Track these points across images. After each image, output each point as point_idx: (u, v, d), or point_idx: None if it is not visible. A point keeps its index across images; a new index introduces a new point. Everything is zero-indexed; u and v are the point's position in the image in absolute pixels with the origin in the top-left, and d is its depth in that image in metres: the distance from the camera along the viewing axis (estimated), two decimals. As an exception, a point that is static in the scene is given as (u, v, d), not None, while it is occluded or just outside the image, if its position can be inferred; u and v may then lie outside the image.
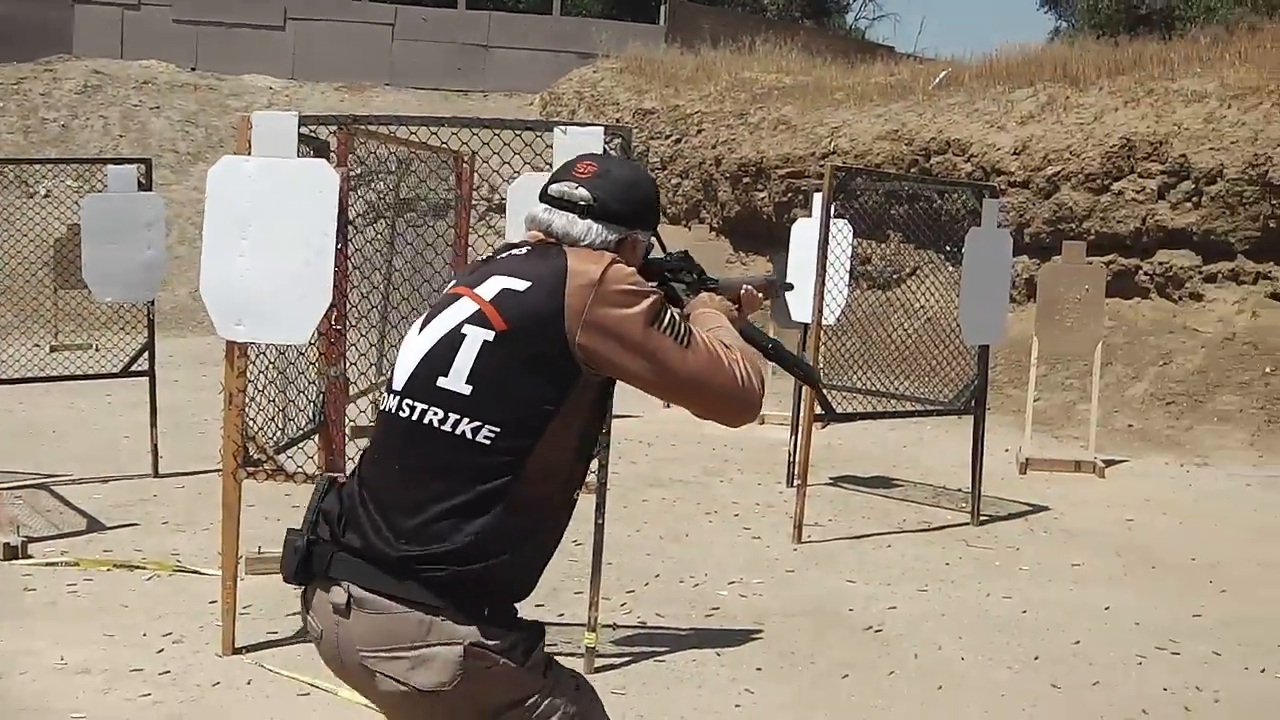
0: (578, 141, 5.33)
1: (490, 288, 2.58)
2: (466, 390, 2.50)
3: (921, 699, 5.42)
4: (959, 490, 9.54)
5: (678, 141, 20.26)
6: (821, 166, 16.43)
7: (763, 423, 10.13)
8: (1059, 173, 14.94)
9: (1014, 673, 5.79)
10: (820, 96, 19.12)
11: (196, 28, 22.76)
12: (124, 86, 21.36)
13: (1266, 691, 5.71)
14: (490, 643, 2.48)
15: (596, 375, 2.56)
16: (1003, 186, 14.17)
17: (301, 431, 6.36)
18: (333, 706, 4.97)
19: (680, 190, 19.87)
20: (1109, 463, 10.83)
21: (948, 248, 9.42)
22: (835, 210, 9.11)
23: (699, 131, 19.98)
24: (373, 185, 10.42)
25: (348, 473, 2.85)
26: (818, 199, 9.34)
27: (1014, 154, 15.51)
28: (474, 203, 9.67)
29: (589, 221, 2.66)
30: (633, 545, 7.54)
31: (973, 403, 8.80)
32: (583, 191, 2.67)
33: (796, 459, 9.49)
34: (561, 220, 2.67)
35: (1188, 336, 13.71)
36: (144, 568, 6.71)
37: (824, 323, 9.46)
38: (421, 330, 2.63)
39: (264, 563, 6.53)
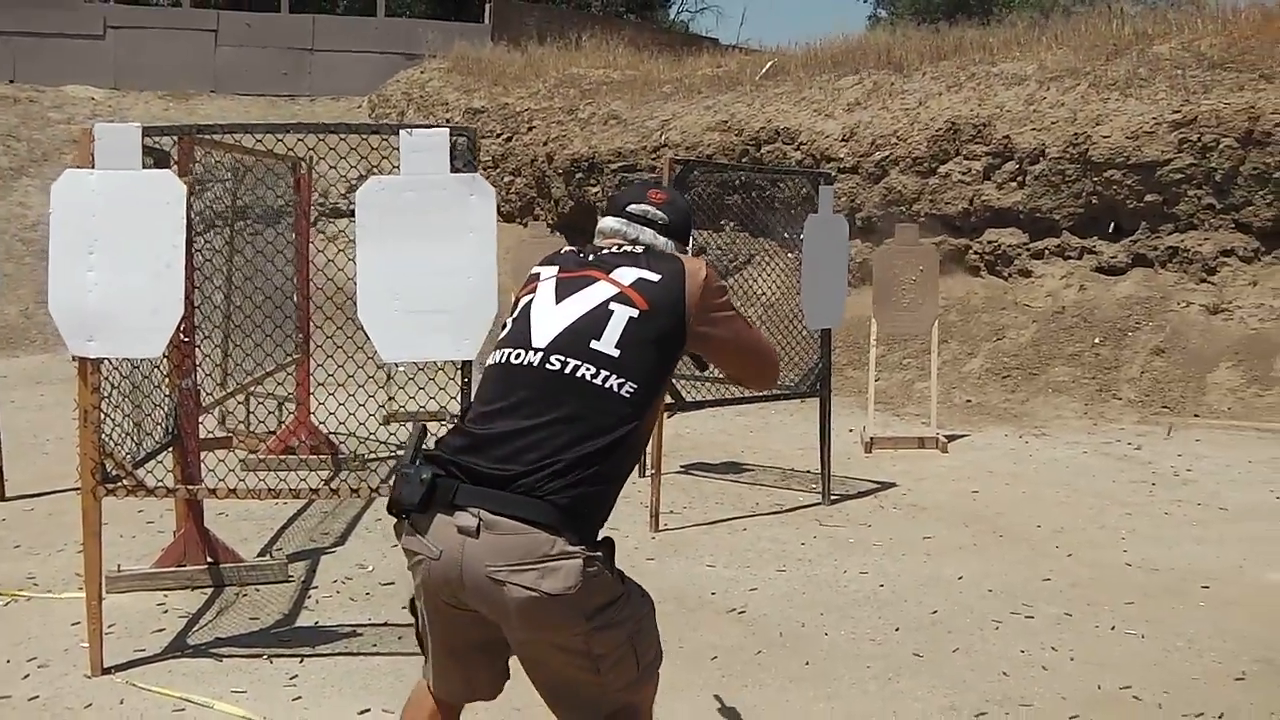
0: (423, 142, 5.36)
1: (626, 275, 3.30)
2: (615, 353, 3.18)
3: (791, 675, 5.54)
4: (808, 472, 9.72)
5: (509, 139, 20.25)
6: (655, 159, 16.62)
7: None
8: (887, 157, 15.30)
9: (877, 644, 5.95)
10: (649, 90, 19.29)
11: (11, 38, 22.08)
12: (-62, 101, 20.72)
13: (1117, 647, 5.95)
14: (597, 554, 3.07)
15: (686, 350, 3.37)
16: (833, 173, 14.45)
17: (158, 444, 6.27)
18: (210, 720, 4.95)
19: (513, 188, 19.87)
20: (951, 438, 11.12)
21: (785, 235, 9.57)
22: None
23: (530, 129, 19.99)
24: (203, 194, 10.28)
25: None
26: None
27: (842, 140, 15.82)
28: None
29: (665, 238, 3.49)
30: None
31: (818, 385, 8.97)
32: (660, 214, 3.51)
33: (649, 449, 9.66)
34: (647, 234, 3.48)
35: (1019, 312, 14.14)
36: (7, 595, 6.57)
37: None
38: (559, 302, 3.29)
39: (124, 580, 6.47)
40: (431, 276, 5.33)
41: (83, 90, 22.01)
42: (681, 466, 9.92)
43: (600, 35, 24.24)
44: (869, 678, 5.53)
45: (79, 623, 6.03)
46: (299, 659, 5.60)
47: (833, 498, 8.86)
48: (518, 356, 3.24)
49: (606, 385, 3.14)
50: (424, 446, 3.18)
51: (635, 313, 3.22)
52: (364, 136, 5.81)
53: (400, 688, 4.89)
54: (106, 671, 5.40)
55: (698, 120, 17.41)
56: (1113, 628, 6.24)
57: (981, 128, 14.88)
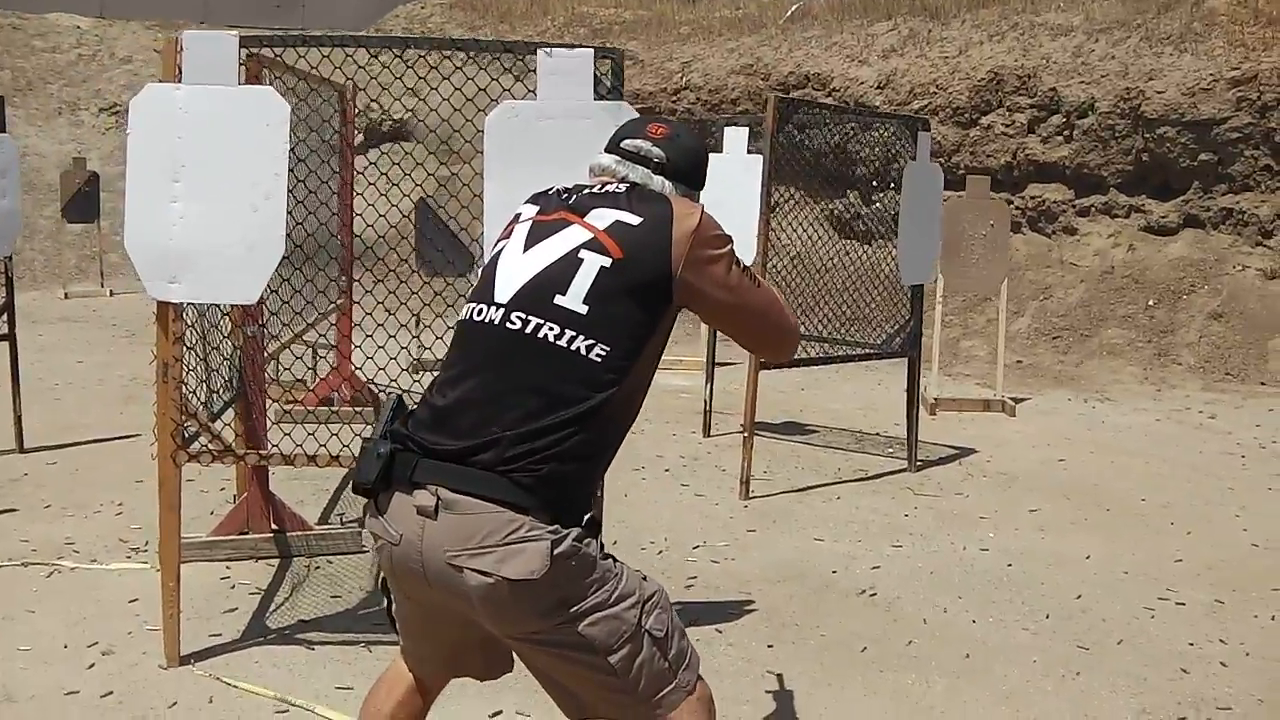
0: (564, 64, 4.69)
1: (601, 218, 2.82)
2: (583, 310, 2.71)
3: (953, 669, 4.94)
4: (879, 434, 9.18)
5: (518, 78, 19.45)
6: (675, 102, 15.98)
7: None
8: (926, 106, 14.62)
9: (1032, 634, 5.36)
10: (664, 31, 18.54)
11: (-8, -35, 21.11)
12: (-86, 28, 19.73)
13: (1289, 641, 5.40)
14: (570, 533, 2.66)
15: (679, 307, 2.83)
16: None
17: (225, 402, 5.60)
18: (319, 722, 4.30)
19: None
20: (1015, 400, 10.53)
21: (873, 184, 9.01)
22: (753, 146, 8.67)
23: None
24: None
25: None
26: (730, 134, 8.83)
27: (878, 88, 15.17)
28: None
29: (661, 178, 2.96)
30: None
31: (906, 345, 8.35)
32: (657, 150, 2.99)
33: (712, 407, 9.04)
34: (638, 174, 2.96)
35: (1065, 271, 13.56)
36: (48, 564, 5.89)
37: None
38: (527, 249, 2.83)
39: (181, 550, 5.76)
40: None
41: (68, 19, 21.06)
42: (741, 426, 9.26)
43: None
44: (1040, 674, 4.93)
45: (137, 599, 5.40)
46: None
47: (917, 463, 8.23)
48: (480, 313, 2.82)
49: (573, 348, 2.70)
50: (397, 416, 2.82)
51: (608, 261, 2.75)
52: (495, 56, 5.08)
53: (532, 682, 4.28)
54: (184, 661, 4.73)
55: (721, 63, 16.68)
56: (1273, 617, 5.68)
57: (1026, 79, 14.25)
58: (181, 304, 4.70)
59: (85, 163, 16.66)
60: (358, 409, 8.40)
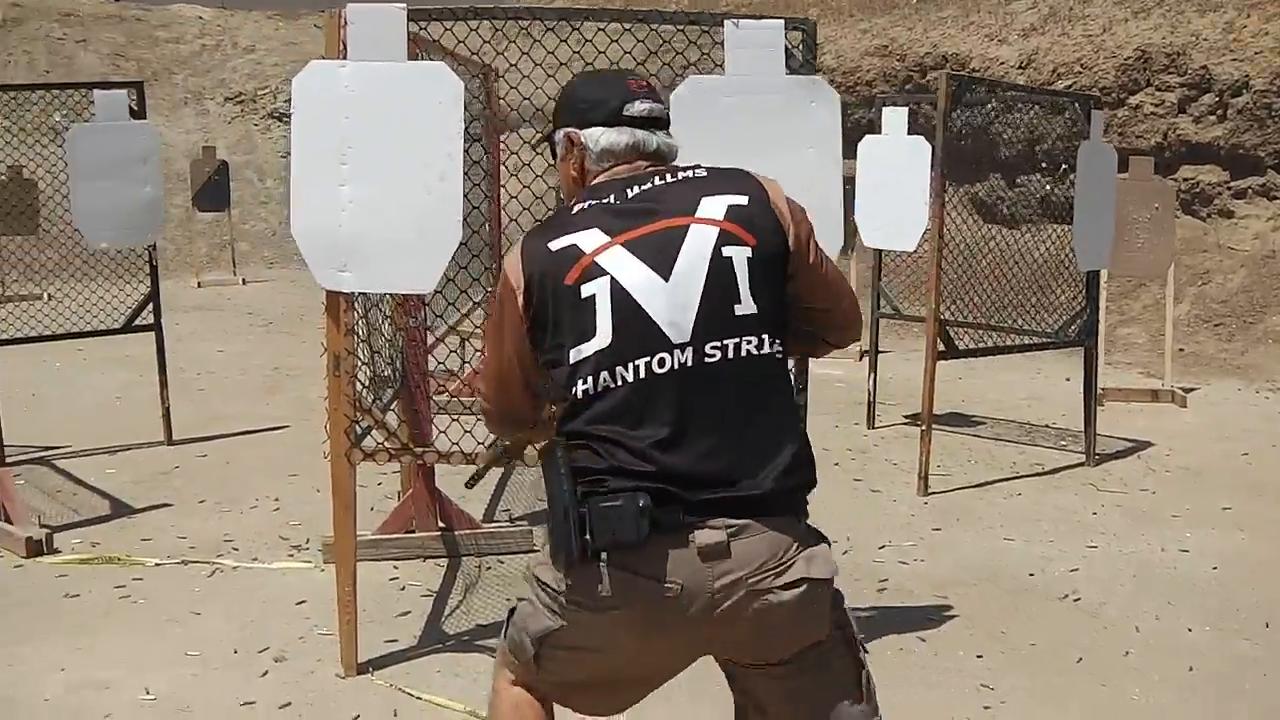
0: (753, 37, 4.38)
1: (714, 208, 2.55)
2: (755, 310, 2.52)
3: (1182, 683, 4.56)
4: (1047, 426, 8.76)
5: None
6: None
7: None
8: (1071, 86, 14.09)
9: (1256, 646, 4.94)
10: (788, 10, 18.11)
11: (117, -43, 21.19)
12: (46, 19, 19.71)
13: None
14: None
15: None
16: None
17: (390, 397, 5.35)
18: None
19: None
20: (1185, 390, 10.04)
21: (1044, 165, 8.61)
22: (912, 127, 8.30)
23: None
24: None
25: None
26: (889, 115, 8.44)
27: (1019, 68, 14.69)
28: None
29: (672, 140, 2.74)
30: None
31: (1082, 334, 7.92)
32: (661, 106, 2.72)
33: (875, 399, 8.69)
34: (666, 139, 2.72)
35: (1223, 255, 13.00)
36: (209, 563, 5.69)
37: (903, 249, 8.63)
38: (665, 275, 2.49)
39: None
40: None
41: (191, 10, 21.12)
42: (905, 417, 8.90)
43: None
44: (1276, 690, 4.54)
45: (304, 601, 5.19)
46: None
47: (1095, 458, 7.81)
48: (661, 364, 2.46)
49: (764, 352, 2.52)
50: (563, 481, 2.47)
51: (749, 251, 2.53)
52: (680, 27, 4.75)
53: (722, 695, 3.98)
54: (361, 670, 4.47)
55: (854, 44, 16.27)
56: None
57: (1175, 56, 13.68)
58: (352, 294, 4.43)
59: (215, 151, 16.64)
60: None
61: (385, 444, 4.62)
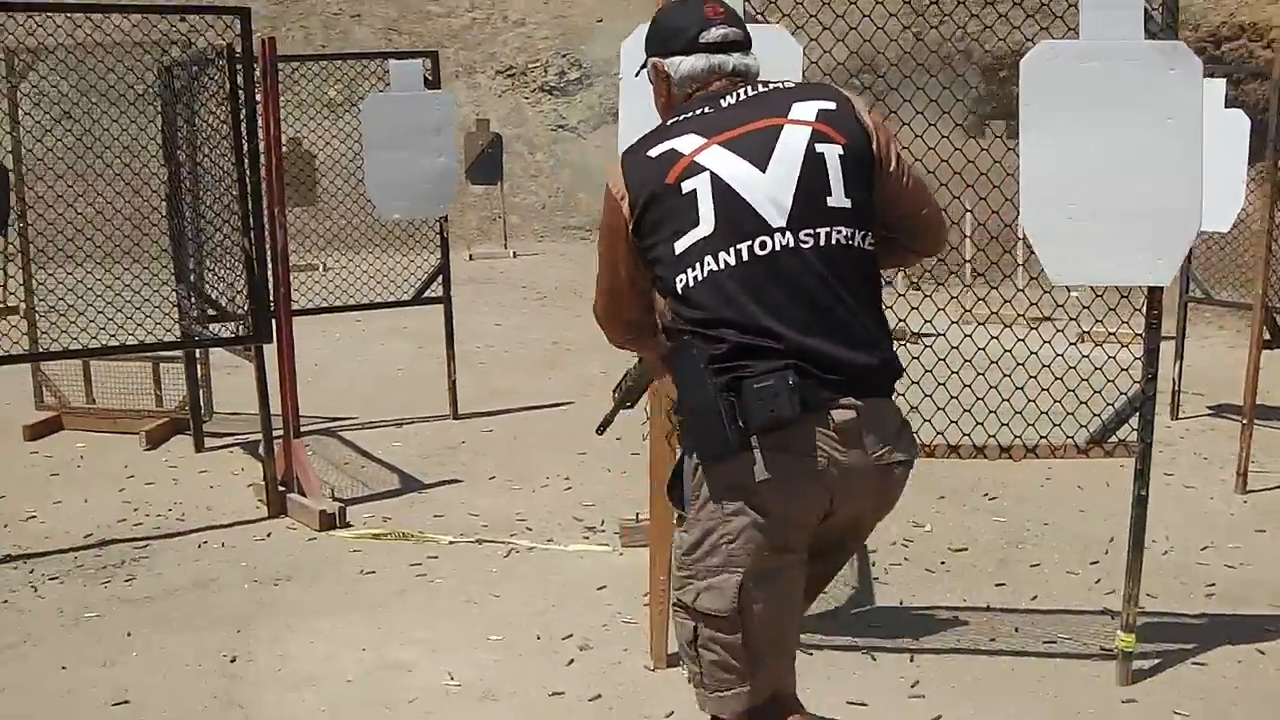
0: (1112, -2, 4.03)
1: (805, 110, 2.68)
2: (848, 204, 2.65)
3: None
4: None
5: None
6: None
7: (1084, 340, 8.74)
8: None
9: None
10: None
11: (389, -68, 21.48)
12: (322, -6, 20.20)
13: None
14: None
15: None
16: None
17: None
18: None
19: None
20: None
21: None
22: (1227, 100, 7.74)
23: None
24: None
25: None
26: (1206, 87, 7.87)
27: (1332, 37, 13.77)
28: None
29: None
30: (1040, 495, 6.25)
31: None
32: (739, 31, 2.82)
33: (1179, 388, 8.18)
34: (744, 59, 2.81)
35: None
36: (504, 543, 5.58)
37: (1217, 229, 8.07)
38: (762, 167, 2.62)
39: (642, 533, 5.32)
40: (1117, 175, 3.96)
41: (463, -15, 21.29)
42: (1209, 408, 8.35)
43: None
44: None
45: (604, 586, 5.03)
46: (908, 656, 4.37)
47: None
48: (763, 247, 2.59)
49: (855, 244, 2.65)
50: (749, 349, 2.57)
51: (840, 149, 2.66)
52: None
53: (1057, 706, 3.67)
54: (671, 663, 4.26)
55: (1143, 14, 15.49)
56: None
57: None
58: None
59: (488, 124, 16.73)
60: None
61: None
